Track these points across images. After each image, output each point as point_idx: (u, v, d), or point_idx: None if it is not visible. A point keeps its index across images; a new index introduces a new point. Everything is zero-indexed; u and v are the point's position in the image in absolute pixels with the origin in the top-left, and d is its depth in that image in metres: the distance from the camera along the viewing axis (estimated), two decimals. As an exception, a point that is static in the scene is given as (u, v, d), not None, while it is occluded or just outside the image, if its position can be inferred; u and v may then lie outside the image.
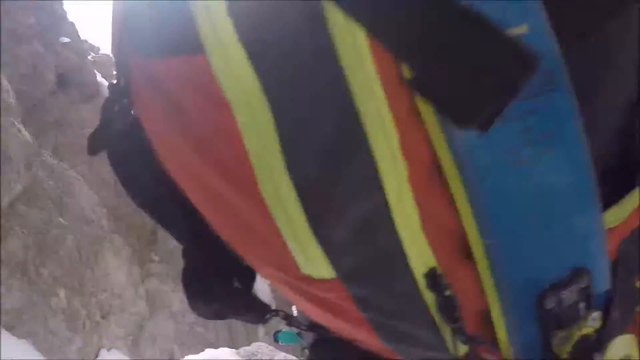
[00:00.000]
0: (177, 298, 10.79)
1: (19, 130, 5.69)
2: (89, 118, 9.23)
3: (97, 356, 6.18)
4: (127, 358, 6.97)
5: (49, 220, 6.30)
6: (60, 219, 6.63)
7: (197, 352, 9.80)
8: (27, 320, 5.09)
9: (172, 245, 12.34)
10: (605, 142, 0.42)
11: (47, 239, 6.14)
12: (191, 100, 0.39)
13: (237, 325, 14.61)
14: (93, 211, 7.99)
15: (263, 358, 7.05)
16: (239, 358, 6.85)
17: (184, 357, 9.20)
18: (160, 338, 8.53)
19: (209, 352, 6.71)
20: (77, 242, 6.80)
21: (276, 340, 2.69)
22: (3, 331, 4.68)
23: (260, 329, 16.40)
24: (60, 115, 8.89)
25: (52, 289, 5.81)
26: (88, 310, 6.51)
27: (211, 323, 12.10)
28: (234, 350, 7.15)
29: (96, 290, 7.03)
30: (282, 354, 7.65)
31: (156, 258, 11.05)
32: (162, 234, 12.10)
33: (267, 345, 7.83)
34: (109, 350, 6.57)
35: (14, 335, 4.83)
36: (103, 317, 6.97)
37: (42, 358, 5.01)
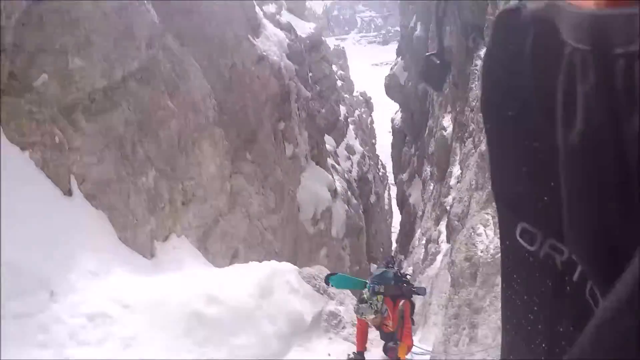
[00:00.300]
0: (258, 201, 11.00)
1: (148, 10, 5.58)
2: (219, 10, 9.03)
3: (165, 240, 6.40)
4: (193, 247, 7.20)
5: (158, 102, 6.36)
6: (169, 102, 6.68)
7: (260, 258, 10.08)
8: (110, 193, 5.25)
9: (268, 149, 12.47)
10: None
11: (152, 119, 6.22)
12: None
13: (303, 246, 14.92)
14: (203, 101, 8.03)
15: (321, 283, 7.00)
16: (299, 276, 6.82)
17: (247, 258, 9.49)
18: (230, 236, 8.76)
19: (272, 262, 6.69)
20: (180, 128, 6.88)
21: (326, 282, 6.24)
22: (80, 199, 4.84)
23: (322, 253, 16.73)
24: (190, 5, 8.75)
25: (143, 168, 5.95)
26: (172, 194, 6.68)
27: (280, 234, 12.37)
28: (296, 267, 7.11)
29: (185, 177, 7.19)
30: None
31: (249, 157, 11.18)
32: (263, 136, 12.17)
33: (328, 271, 7.73)
34: (179, 236, 6.79)
35: (92, 205, 5.01)
36: (184, 204, 7.17)
37: (113, 231, 5.19)
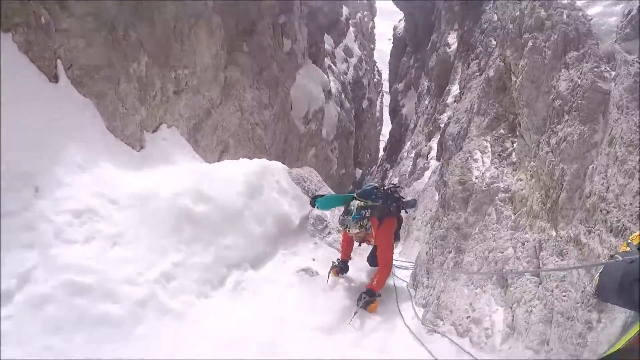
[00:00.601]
0: (251, 94, 10.54)
1: None
2: None
3: (155, 130, 6.06)
4: (183, 139, 6.89)
5: (154, -20, 5.70)
6: (166, -18, 6.00)
7: (249, 154, 9.87)
8: (99, 79, 4.79)
9: (265, 42, 11.73)
10: None
11: (146, 1, 5.59)
12: None
13: (293, 144, 14.67)
14: (202, -17, 7.29)
15: (311, 186, 6.88)
16: (289, 177, 6.68)
17: (236, 154, 9.26)
18: (221, 129, 8.44)
19: (263, 160, 6.48)
20: (176, 13, 6.25)
21: (312, 205, 6.26)
22: (67, 86, 4.40)
23: (311, 153, 16.58)
24: None
25: (135, 54, 5.43)
26: (164, 83, 6.23)
27: (270, 130, 12.06)
28: (285, 167, 6.94)
29: (178, 65, 6.68)
30: (328, 189, 7.49)
31: (246, 49, 10.53)
32: (261, 28, 11.37)
33: (317, 174, 7.61)
34: (169, 127, 6.45)
35: (80, 92, 4.57)
36: (176, 93, 6.74)
37: (100, 121, 4.82)
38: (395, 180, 16.91)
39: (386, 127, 34.10)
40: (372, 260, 6.08)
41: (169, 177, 4.88)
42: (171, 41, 6.29)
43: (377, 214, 5.45)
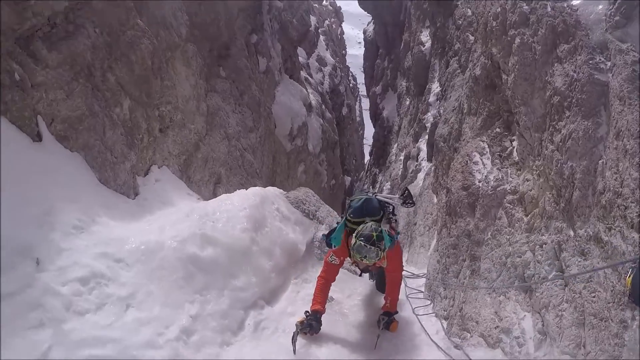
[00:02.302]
0: (235, 120, 10.40)
1: None
2: None
3: (147, 173, 5.88)
4: (176, 177, 6.72)
5: (126, 20, 5.51)
6: (138, 20, 5.83)
7: (242, 181, 9.70)
8: (83, 130, 4.61)
9: (241, 64, 11.62)
10: None
11: (121, 40, 5.42)
12: None
13: (281, 163, 14.54)
14: (174, 16, 7.13)
15: (310, 207, 6.74)
16: (287, 201, 6.54)
17: (229, 182, 9.09)
18: (212, 161, 8.27)
19: (258, 189, 6.32)
20: (152, 48, 6.09)
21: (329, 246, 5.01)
22: (51, 143, 4.22)
23: (300, 169, 16.46)
24: None
25: (116, 97, 5.26)
26: (149, 123, 6.06)
27: (259, 153, 11.92)
28: (282, 191, 6.80)
29: (161, 102, 6.52)
30: (327, 207, 7.35)
31: (223, 74, 10.41)
32: (236, 50, 11.27)
33: (313, 193, 7.46)
34: (159, 167, 6.27)
35: (66, 147, 4.38)
36: (161, 131, 6.57)
37: (91, 174, 4.63)
38: (388, 185, 16.85)
39: (368, 131, 34.20)
40: (381, 285, 5.56)
41: (170, 222, 4.71)
42: (150, 78, 6.13)
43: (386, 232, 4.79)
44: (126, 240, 4.02)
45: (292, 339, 4.25)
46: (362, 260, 4.43)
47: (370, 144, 27.78)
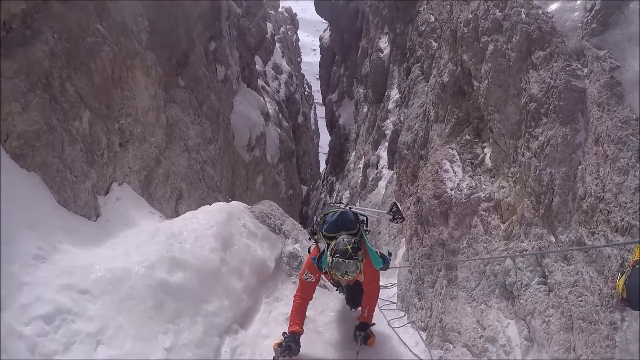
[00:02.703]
0: (194, 131, 10.02)
1: None
2: None
3: (107, 192, 5.48)
4: (137, 194, 6.32)
5: (86, 25, 5.11)
6: (99, 26, 5.43)
7: (203, 196, 9.33)
8: (40, 147, 4.19)
9: (200, 73, 11.26)
10: None
11: (80, 47, 5.01)
12: None
13: (240, 175, 14.19)
14: (134, 21, 6.73)
15: (276, 221, 6.50)
16: (253, 216, 6.28)
17: (190, 197, 8.71)
18: (173, 175, 7.89)
19: (222, 205, 6.03)
20: (113, 56, 5.70)
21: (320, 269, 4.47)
22: (6, 162, 3.79)
23: (259, 180, 16.15)
24: None
25: (75, 110, 4.85)
26: (109, 137, 5.66)
27: (218, 165, 11.55)
28: (246, 206, 6.53)
29: (120, 114, 6.12)
30: (291, 220, 7.12)
31: (182, 83, 10.02)
32: (195, 58, 10.92)
33: (277, 206, 7.21)
34: (120, 185, 5.87)
35: (22, 167, 3.96)
36: (122, 146, 6.17)
37: (50, 195, 4.21)
38: (347, 194, 16.80)
39: (323, 139, 34.20)
40: (354, 300, 5.21)
41: (134, 245, 4.37)
42: (111, 89, 5.73)
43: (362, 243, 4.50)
44: (91, 268, 3.66)
45: None
46: (343, 276, 4.14)
47: (326, 152, 27.75)
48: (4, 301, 2.89)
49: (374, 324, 4.80)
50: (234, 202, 6.29)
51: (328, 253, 4.24)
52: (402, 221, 5.83)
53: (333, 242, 4.28)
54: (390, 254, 4.94)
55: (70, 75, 4.81)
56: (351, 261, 4.06)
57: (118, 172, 5.89)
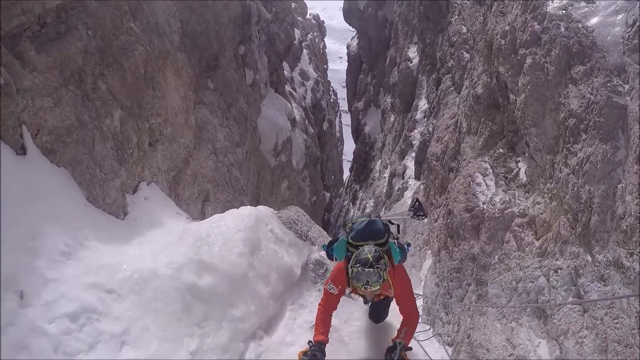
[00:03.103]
0: (222, 134, 10.04)
1: None
2: None
3: (135, 191, 5.47)
4: (165, 194, 6.31)
5: (120, 24, 5.13)
6: (133, 24, 5.46)
7: (229, 199, 9.32)
8: (71, 143, 4.19)
9: (230, 76, 11.30)
10: None
11: (114, 45, 5.03)
12: None
13: (265, 179, 14.17)
14: (167, 22, 6.77)
15: (302, 228, 6.41)
16: (280, 222, 6.20)
17: (217, 200, 8.70)
18: (201, 177, 7.88)
19: (250, 208, 5.96)
20: (145, 55, 5.72)
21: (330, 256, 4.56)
22: (37, 157, 3.77)
23: (284, 186, 16.12)
24: None
25: (107, 107, 4.86)
26: (139, 136, 5.66)
27: (245, 168, 11.55)
28: (274, 211, 6.46)
29: (151, 114, 6.14)
30: (317, 227, 7.02)
31: (211, 86, 10.06)
32: (225, 62, 10.96)
33: (304, 213, 7.14)
34: (148, 184, 5.87)
35: (52, 162, 3.95)
36: (151, 145, 6.18)
37: (79, 192, 4.19)
38: (371, 202, 16.63)
39: (347, 146, 34.10)
40: (378, 317, 5.07)
41: (162, 246, 4.33)
42: (142, 88, 5.74)
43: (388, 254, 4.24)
44: (118, 268, 3.62)
45: None
46: (366, 289, 3.90)
47: (350, 159, 27.63)
48: (28, 297, 2.85)
49: (410, 348, 4.31)
50: (261, 207, 6.24)
51: (350, 264, 4.04)
52: (424, 218, 5.56)
53: (356, 252, 4.09)
54: (409, 245, 4.76)
55: (102, 73, 4.82)
56: (372, 270, 3.83)
57: (147, 171, 5.89)
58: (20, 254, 3.04)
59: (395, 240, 4.61)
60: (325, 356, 4.10)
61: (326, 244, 4.95)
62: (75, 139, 4.24)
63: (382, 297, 4.48)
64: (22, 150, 3.78)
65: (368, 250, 3.99)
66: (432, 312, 6.29)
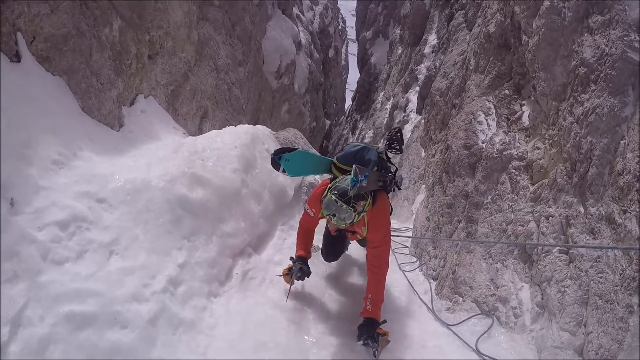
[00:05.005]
0: (225, 52, 9.66)
1: None
2: None
3: (132, 103, 5.28)
4: (162, 109, 6.13)
5: None
6: None
7: (227, 117, 9.13)
8: (68, 52, 3.95)
9: (236, -8, 10.68)
10: None
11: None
12: None
13: (266, 100, 13.83)
14: None
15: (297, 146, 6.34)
16: (275, 139, 6.12)
17: (215, 117, 8.52)
18: (200, 93, 7.64)
19: (247, 127, 5.83)
20: (147, -37, 5.32)
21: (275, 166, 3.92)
22: (31, 65, 3.55)
23: (284, 109, 15.79)
24: None
25: (106, 16, 4.56)
26: (139, 48, 5.39)
27: (245, 88, 11.24)
28: (271, 131, 6.35)
29: (152, 26, 5.81)
30: (314, 151, 6.96)
31: (216, 2, 9.53)
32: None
33: (302, 135, 7.05)
34: (146, 97, 5.67)
35: (47, 70, 3.73)
36: (150, 58, 5.91)
37: (74, 101, 4.02)
38: (370, 133, 16.45)
39: (351, 75, 33.29)
40: (330, 252, 4.60)
41: (157, 159, 4.22)
42: (144, -2, 5.39)
43: (372, 186, 3.67)
44: (110, 177, 3.53)
45: (290, 286, 3.95)
46: (331, 219, 3.40)
47: (353, 89, 27.05)
48: (19, 205, 2.77)
49: (384, 321, 3.66)
50: (259, 126, 6.10)
51: (329, 186, 3.53)
52: (399, 153, 4.66)
53: (340, 177, 3.57)
54: (401, 179, 4.35)
55: (103, -22, 4.48)
56: (345, 206, 3.31)
57: (145, 84, 5.67)
58: (12, 161, 2.93)
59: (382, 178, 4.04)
60: (310, 270, 4.01)
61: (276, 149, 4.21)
62: (71, 47, 3.99)
63: (352, 237, 4.06)
64: (16, 58, 3.56)
65: (344, 181, 3.45)
66: (420, 245, 6.34)
